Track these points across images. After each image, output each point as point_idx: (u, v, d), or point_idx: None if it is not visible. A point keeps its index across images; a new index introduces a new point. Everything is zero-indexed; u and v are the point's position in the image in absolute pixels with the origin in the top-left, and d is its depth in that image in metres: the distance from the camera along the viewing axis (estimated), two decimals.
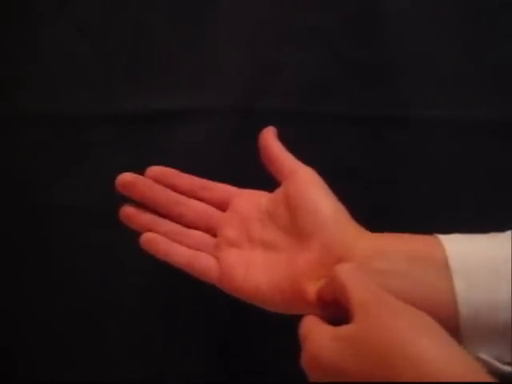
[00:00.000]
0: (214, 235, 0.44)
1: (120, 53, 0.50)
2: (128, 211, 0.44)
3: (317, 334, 0.34)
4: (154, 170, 0.45)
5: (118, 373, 0.50)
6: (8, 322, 0.51)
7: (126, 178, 0.44)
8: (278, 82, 0.50)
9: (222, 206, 0.45)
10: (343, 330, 0.33)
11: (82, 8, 0.49)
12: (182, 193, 0.45)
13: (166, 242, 0.43)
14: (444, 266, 0.36)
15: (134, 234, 0.45)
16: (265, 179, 0.44)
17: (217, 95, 0.50)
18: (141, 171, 0.45)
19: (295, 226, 0.40)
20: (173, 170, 0.45)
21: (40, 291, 0.50)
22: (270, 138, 0.44)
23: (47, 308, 0.50)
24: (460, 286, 0.35)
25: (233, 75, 0.50)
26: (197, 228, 0.44)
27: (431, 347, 0.29)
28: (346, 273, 0.34)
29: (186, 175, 0.46)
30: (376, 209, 0.48)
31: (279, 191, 0.43)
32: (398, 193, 0.50)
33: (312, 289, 0.37)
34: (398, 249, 0.38)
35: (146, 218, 0.44)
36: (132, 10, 0.49)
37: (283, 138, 0.44)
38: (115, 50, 0.50)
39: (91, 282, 0.50)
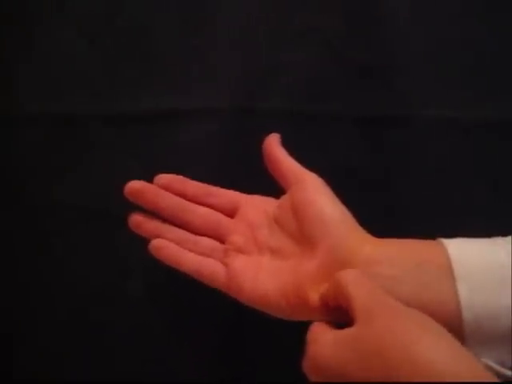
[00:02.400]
0: (222, 242, 0.44)
1: (120, 53, 0.50)
2: (137, 219, 0.44)
3: (319, 339, 0.34)
4: (163, 177, 0.45)
5: (117, 373, 0.50)
6: (7, 322, 0.51)
7: (135, 185, 0.44)
8: (277, 82, 0.50)
9: (230, 213, 0.45)
10: (344, 333, 0.33)
11: (82, 8, 0.49)
12: (189, 199, 0.45)
13: (175, 249, 0.43)
14: (448, 270, 0.36)
15: (135, 234, 0.45)
16: (265, 179, 0.44)
17: (216, 95, 0.50)
18: (141, 171, 0.45)
19: (302, 232, 0.40)
20: (180, 177, 0.46)
21: (39, 291, 0.50)
22: (274, 144, 0.44)
23: (46, 308, 0.50)
24: (463, 290, 0.35)
25: (233, 75, 0.50)
26: (204, 235, 0.44)
27: (433, 348, 0.29)
28: (348, 279, 0.35)
29: (194, 182, 0.46)
30: (376, 209, 0.48)
31: (285, 198, 0.43)
32: (398, 193, 0.50)
33: (314, 294, 0.38)
34: (403, 254, 0.38)
35: (154, 224, 0.44)
36: (132, 10, 0.49)
37: (283, 138, 0.45)
38: (115, 50, 0.50)
39: (91, 282, 0.50)
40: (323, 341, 0.34)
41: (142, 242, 0.44)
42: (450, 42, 0.49)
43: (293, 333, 0.38)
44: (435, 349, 0.29)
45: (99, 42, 0.49)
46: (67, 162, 0.50)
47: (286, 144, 0.44)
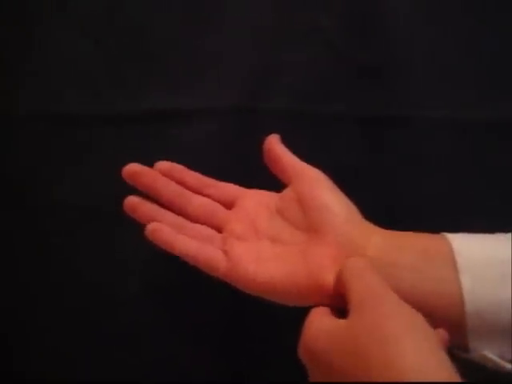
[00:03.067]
0: (220, 231, 0.44)
1: (121, 53, 0.50)
2: (132, 201, 0.43)
3: (315, 323, 0.35)
4: (163, 164, 0.45)
5: (117, 373, 0.50)
6: (8, 322, 0.51)
7: (134, 168, 0.44)
8: (278, 82, 0.50)
9: (228, 204, 0.45)
10: (338, 323, 0.33)
11: (82, 8, 0.49)
12: (189, 189, 0.45)
13: (172, 233, 0.43)
14: (451, 263, 0.36)
15: (135, 233, 0.45)
16: (266, 179, 0.44)
17: (217, 95, 0.50)
18: None
19: (308, 223, 0.40)
20: (181, 166, 0.45)
21: (40, 291, 0.50)
22: (274, 142, 0.44)
23: (47, 308, 0.50)
24: (466, 282, 0.36)
25: (233, 75, 0.50)
26: (202, 223, 0.44)
27: (411, 351, 0.30)
28: (350, 270, 0.35)
29: (193, 172, 0.46)
30: (376, 209, 0.48)
31: (288, 191, 0.43)
32: (398, 193, 0.50)
33: (330, 280, 0.38)
34: (410, 244, 0.39)
35: (150, 208, 0.44)
36: (133, 10, 0.49)
37: (283, 138, 0.45)
38: (116, 50, 0.50)
39: (91, 282, 0.50)
40: (319, 326, 0.34)
41: (142, 240, 0.44)
42: (449, 42, 0.50)
43: (294, 322, 0.38)
44: (413, 352, 0.29)
45: (101, 41, 0.49)
46: (67, 162, 0.50)
47: (287, 144, 0.44)
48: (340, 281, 0.35)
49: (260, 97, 0.50)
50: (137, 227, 0.44)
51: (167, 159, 0.46)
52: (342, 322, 0.33)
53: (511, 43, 0.49)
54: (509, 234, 0.38)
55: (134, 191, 0.45)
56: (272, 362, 0.50)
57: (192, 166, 0.47)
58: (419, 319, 0.32)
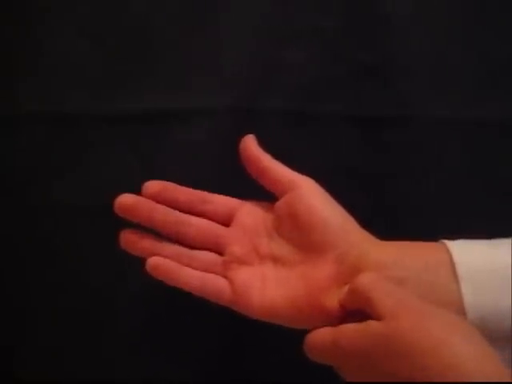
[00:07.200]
0: (220, 253, 0.44)
1: (120, 53, 0.49)
2: (129, 237, 0.43)
3: (343, 327, 0.34)
4: (153, 185, 0.43)
5: (117, 373, 0.50)
6: (8, 322, 0.51)
7: (126, 200, 0.42)
8: (278, 81, 0.50)
9: (225, 220, 0.44)
10: (371, 324, 0.33)
11: (82, 8, 0.49)
12: (183, 207, 0.44)
13: (174, 265, 0.42)
14: (451, 272, 0.37)
15: None
16: None
17: (217, 95, 0.50)
18: (141, 171, 0.45)
19: (305, 240, 0.40)
20: (172, 184, 0.44)
21: (40, 291, 0.50)
22: (253, 148, 0.43)
23: (47, 308, 0.50)
24: (467, 291, 0.36)
25: (233, 75, 0.50)
26: (202, 247, 0.44)
27: (462, 348, 0.30)
28: (368, 283, 0.35)
29: (186, 188, 0.45)
30: (376, 209, 0.49)
31: (281, 206, 0.42)
32: (399, 193, 0.50)
33: (331, 301, 0.37)
34: (408, 257, 0.38)
35: (148, 242, 0.43)
36: (132, 10, 0.49)
37: (283, 139, 0.44)
38: (115, 50, 0.49)
39: (91, 282, 0.50)
40: (345, 326, 0.34)
41: None
42: (450, 42, 0.49)
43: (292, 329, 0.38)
44: (464, 350, 0.29)
45: (100, 41, 0.49)
46: (67, 161, 0.50)
47: (286, 144, 0.44)
48: (358, 294, 0.35)
49: (260, 96, 0.50)
50: (137, 227, 0.44)
51: (166, 159, 0.46)
52: (375, 323, 0.32)
53: (511, 42, 0.49)
54: (509, 239, 0.38)
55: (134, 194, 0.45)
56: (270, 369, 0.50)
57: (192, 165, 0.47)
58: (457, 316, 0.32)
